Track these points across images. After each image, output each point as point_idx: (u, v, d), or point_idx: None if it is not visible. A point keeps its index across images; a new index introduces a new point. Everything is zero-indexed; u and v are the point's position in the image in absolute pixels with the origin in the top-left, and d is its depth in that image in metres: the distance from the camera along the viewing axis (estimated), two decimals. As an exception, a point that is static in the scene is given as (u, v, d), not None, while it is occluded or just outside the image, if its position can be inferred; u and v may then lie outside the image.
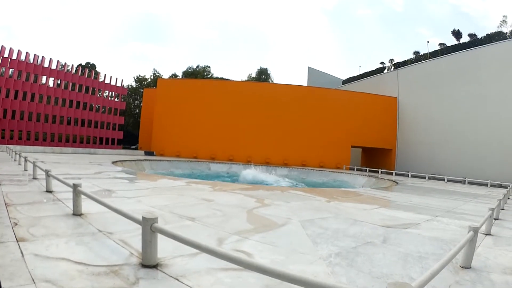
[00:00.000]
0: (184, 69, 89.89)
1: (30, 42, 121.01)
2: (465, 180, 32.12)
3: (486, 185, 30.14)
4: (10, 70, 45.64)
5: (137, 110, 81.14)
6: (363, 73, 66.13)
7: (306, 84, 68.85)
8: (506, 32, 47.04)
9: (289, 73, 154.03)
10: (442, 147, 42.68)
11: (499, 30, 48.82)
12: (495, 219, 9.71)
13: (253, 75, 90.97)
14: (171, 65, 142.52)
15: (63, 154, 34.95)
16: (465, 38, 50.55)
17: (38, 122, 48.25)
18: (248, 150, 45.11)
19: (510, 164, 34.53)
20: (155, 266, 4.04)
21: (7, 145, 34.60)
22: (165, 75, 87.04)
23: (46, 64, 49.57)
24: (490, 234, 7.51)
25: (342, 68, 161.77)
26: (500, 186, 30.62)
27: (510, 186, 22.96)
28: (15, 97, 45.68)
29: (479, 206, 13.88)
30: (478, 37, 47.42)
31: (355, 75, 69.92)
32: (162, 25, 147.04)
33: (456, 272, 4.72)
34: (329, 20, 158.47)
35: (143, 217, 3.95)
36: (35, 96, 48.00)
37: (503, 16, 52.22)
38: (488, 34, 46.30)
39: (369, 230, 7.19)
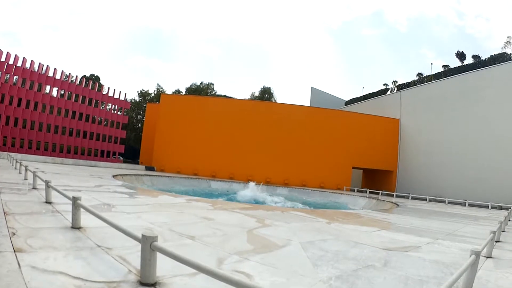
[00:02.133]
0: (188, 85, 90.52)
1: (34, 50, 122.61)
2: (465, 202, 32.15)
3: (487, 207, 30.18)
4: (15, 77, 45.82)
5: (139, 125, 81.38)
6: (366, 94, 66.54)
7: (309, 104, 69.20)
8: (510, 53, 47.16)
9: (292, 92, 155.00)
10: (443, 169, 42.73)
11: (503, 51, 48.96)
12: (496, 241, 9.62)
13: (256, 94, 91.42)
14: (174, 81, 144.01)
15: (63, 165, 34.98)
16: (469, 60, 50.96)
17: (40, 132, 48.30)
18: (249, 169, 45.06)
19: (511, 186, 34.38)
20: (153, 285, 3.96)
21: (8, 153, 34.63)
22: (169, 90, 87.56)
23: (50, 74, 49.88)
24: (491, 257, 7.41)
25: (345, 88, 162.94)
26: (501, 208, 30.64)
27: (511, 208, 22.87)
28: (19, 105, 45.75)
29: (480, 229, 13.84)
30: (482, 58, 47.61)
31: (358, 96, 70.38)
32: (166, 39, 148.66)
33: (457, 297, 4.62)
34: (334, 40, 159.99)
35: (142, 235, 3.89)
36: (38, 105, 48.15)
37: (507, 37, 52.26)
38: (492, 55, 46.51)
39: (370, 253, 7.10)
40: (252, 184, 32.35)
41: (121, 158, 63.12)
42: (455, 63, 52.91)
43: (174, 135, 49.22)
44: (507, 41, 51.80)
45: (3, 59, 42.68)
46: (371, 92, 65.97)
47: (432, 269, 6.15)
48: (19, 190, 11.20)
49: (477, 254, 4.66)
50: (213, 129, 48.60)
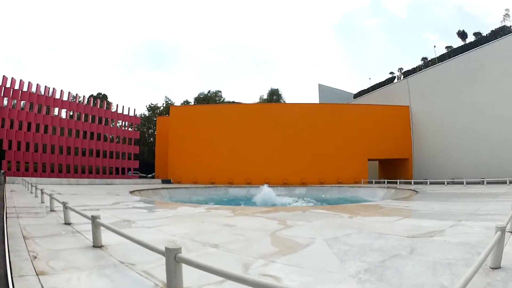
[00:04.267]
0: (196, 95, 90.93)
1: (39, 73, 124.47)
2: (483, 181, 31.78)
3: (505, 182, 29.70)
4: (22, 102, 46.16)
5: (151, 139, 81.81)
6: (374, 85, 66.27)
7: (318, 101, 69.07)
8: (510, 26, 46.89)
9: (300, 91, 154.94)
10: (458, 150, 42.46)
11: (503, 24, 48.55)
12: None
13: (265, 97, 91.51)
14: (182, 91, 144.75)
15: (79, 185, 35.23)
16: (470, 38, 50.45)
17: (52, 154, 48.55)
18: (265, 172, 45.08)
19: None
20: (181, 297, 3.88)
21: (23, 177, 34.90)
22: (177, 102, 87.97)
23: (57, 96, 50.02)
24: None
25: (352, 81, 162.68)
26: None
27: None
28: (28, 129, 45.98)
29: (501, 205, 13.62)
30: (483, 35, 47.25)
31: (365, 87, 70.19)
32: (168, 51, 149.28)
33: (487, 274, 4.54)
34: (336, 35, 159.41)
35: (166, 248, 3.81)
36: (48, 128, 48.35)
37: (505, 10, 51.64)
38: (492, 30, 46.25)
39: (395, 242, 7.00)
40: (266, 186, 32.13)
41: (138, 173, 63.29)
42: (457, 43, 52.54)
43: (187, 146, 49.41)
44: (506, 14, 51.38)
45: (8, 85, 42.95)
46: (378, 82, 65.76)
47: (458, 251, 6.05)
48: (36, 214, 11.27)
49: (502, 229, 4.61)
50: (226, 136, 48.76)
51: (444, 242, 6.86)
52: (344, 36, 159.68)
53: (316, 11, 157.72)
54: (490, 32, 46.16)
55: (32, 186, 20.78)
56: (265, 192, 29.76)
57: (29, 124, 46.14)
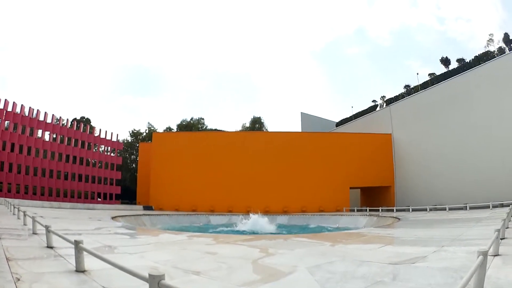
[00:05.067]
0: (178, 121, 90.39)
1: (21, 93, 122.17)
2: (466, 206, 31.97)
3: (488, 207, 29.95)
4: (6, 122, 45.56)
5: (133, 165, 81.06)
6: (356, 113, 66.98)
7: (300, 130, 69.55)
8: (494, 51, 47.99)
9: (282, 119, 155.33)
10: (440, 176, 42.79)
11: (486, 50, 49.92)
12: (502, 238, 9.55)
13: (247, 125, 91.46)
14: (165, 118, 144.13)
15: (61, 209, 34.80)
16: (454, 64, 51.62)
17: (35, 176, 47.75)
18: (247, 200, 44.88)
19: (509, 182, 34.20)
20: (165, 323, 3.92)
21: (5, 198, 34.30)
22: (160, 128, 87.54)
23: (41, 118, 49.59)
24: (498, 255, 7.40)
25: (335, 110, 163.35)
26: (502, 205, 30.41)
27: None
28: (12, 150, 45.26)
29: (484, 229, 13.87)
30: (466, 61, 48.31)
31: (348, 116, 70.80)
32: (153, 77, 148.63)
33: (470, 297, 4.62)
34: (319, 63, 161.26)
35: (149, 274, 3.85)
36: (31, 150, 47.71)
37: (489, 35, 53.11)
38: (476, 56, 47.09)
39: (378, 269, 7.06)
40: (252, 215, 32.03)
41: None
42: (441, 69, 53.82)
43: (169, 173, 49.24)
44: (490, 39, 52.72)
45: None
46: (360, 110, 66.53)
47: (441, 276, 6.17)
48: (19, 236, 11.14)
49: (484, 254, 4.69)
50: (208, 164, 48.77)
51: (427, 268, 6.97)
52: (327, 64, 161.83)
53: (299, 39, 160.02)
54: (473, 57, 47.03)
55: (14, 207, 20.52)
56: (252, 220, 29.63)
57: (13, 145, 45.49)
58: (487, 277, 5.05)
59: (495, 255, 7.34)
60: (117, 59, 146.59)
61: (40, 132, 50.39)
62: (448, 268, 6.75)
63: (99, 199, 55.92)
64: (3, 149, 44.05)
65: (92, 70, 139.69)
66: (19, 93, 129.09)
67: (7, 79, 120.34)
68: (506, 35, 48.26)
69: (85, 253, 6.32)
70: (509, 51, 44.16)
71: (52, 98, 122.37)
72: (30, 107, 48.32)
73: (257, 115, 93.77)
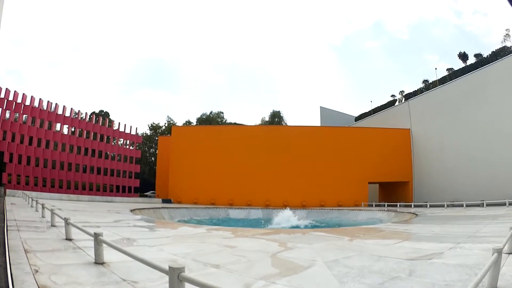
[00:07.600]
0: (198, 115, 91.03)
1: (39, 87, 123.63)
2: (483, 203, 31.69)
3: (504, 204, 29.58)
4: (24, 116, 46.15)
5: (152, 158, 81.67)
6: (375, 108, 66.47)
7: (319, 124, 69.25)
8: (511, 46, 47.29)
9: (301, 113, 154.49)
10: (458, 172, 42.21)
11: (503, 45, 49.18)
12: None
13: (267, 119, 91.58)
14: (184, 112, 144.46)
15: (80, 202, 35.23)
16: (471, 59, 51.01)
17: (53, 169, 48.31)
18: (266, 194, 44.97)
19: None
20: (184, 316, 3.90)
21: (23, 191, 34.81)
22: (179, 122, 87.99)
23: (59, 111, 50.11)
24: None
25: (354, 104, 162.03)
26: None
27: None
28: (30, 143, 45.87)
29: (500, 227, 13.77)
30: (484, 56, 47.73)
31: (367, 110, 70.23)
32: (171, 70, 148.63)
33: (483, 294, 4.57)
34: (338, 56, 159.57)
35: (170, 267, 3.85)
36: (50, 143, 48.27)
37: (506, 30, 52.14)
38: (493, 51, 46.49)
39: (394, 265, 7.05)
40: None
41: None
42: (458, 64, 53.03)
43: (188, 166, 49.46)
44: (506, 34, 51.80)
45: (11, 98, 42.99)
46: (379, 105, 65.96)
47: (456, 273, 6.17)
48: (37, 228, 11.30)
49: (499, 251, 4.72)
50: (227, 158, 48.90)
51: (443, 264, 6.96)
52: (346, 58, 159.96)
53: (318, 33, 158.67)
54: (491, 53, 46.44)
55: (32, 200, 20.80)
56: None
57: (31, 138, 46.07)
58: (501, 274, 5.05)
59: (509, 253, 7.26)
60: (135, 52, 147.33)
61: (58, 125, 51.00)
62: (463, 265, 6.75)
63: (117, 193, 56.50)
64: (21, 142, 44.67)
65: (111, 64, 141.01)
66: (37, 88, 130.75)
67: (25, 74, 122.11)
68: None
69: (104, 245, 6.36)
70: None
71: (71, 93, 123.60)
72: (48, 101, 48.87)
73: (276, 109, 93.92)
